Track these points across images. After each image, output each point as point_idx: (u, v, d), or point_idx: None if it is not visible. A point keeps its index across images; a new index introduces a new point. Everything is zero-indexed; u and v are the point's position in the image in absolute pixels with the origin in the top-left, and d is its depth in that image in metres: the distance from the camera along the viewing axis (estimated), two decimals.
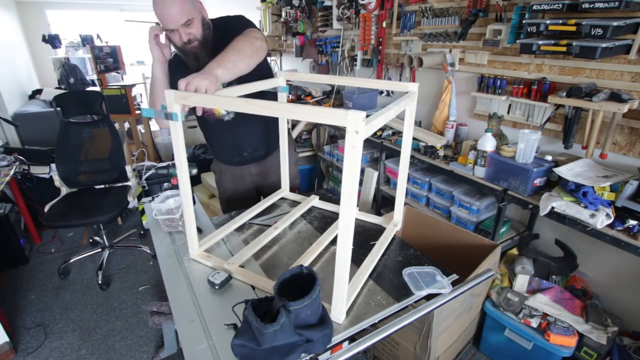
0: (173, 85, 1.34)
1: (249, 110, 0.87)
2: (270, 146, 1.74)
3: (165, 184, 1.81)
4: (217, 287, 1.05)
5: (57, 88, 4.80)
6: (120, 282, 2.49)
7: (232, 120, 1.58)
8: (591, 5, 1.40)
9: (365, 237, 1.34)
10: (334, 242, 1.30)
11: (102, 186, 2.63)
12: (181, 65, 1.41)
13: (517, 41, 1.72)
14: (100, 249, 2.69)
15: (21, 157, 2.72)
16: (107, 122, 2.56)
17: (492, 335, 1.81)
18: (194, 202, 1.52)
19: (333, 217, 1.50)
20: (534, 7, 1.63)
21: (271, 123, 1.66)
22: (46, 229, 3.10)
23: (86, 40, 4.75)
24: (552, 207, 1.50)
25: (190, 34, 1.30)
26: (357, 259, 1.20)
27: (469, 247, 1.67)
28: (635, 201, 1.39)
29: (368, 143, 2.54)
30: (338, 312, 0.93)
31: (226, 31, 1.34)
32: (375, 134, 2.48)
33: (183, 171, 1.09)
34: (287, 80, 1.42)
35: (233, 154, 1.70)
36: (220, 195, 1.87)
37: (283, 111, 0.87)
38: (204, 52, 1.34)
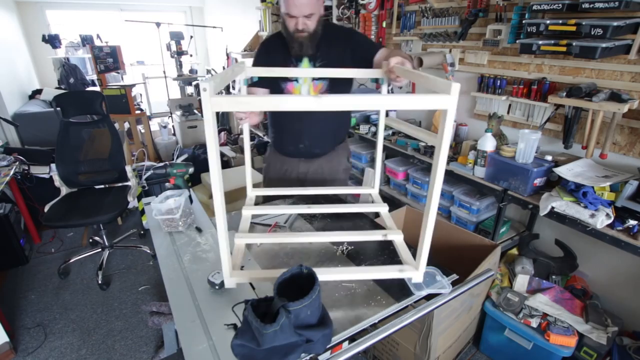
0: (271, 62, 1.48)
1: (352, 107, 0.82)
2: (327, 147, 1.71)
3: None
4: (217, 288, 1.05)
5: (57, 88, 4.80)
6: (120, 282, 2.49)
7: None
8: (591, 5, 1.40)
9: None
10: (333, 242, 1.30)
11: (102, 186, 2.63)
12: (279, 46, 1.54)
13: (517, 41, 1.72)
14: (100, 249, 2.69)
15: (21, 157, 2.72)
16: (107, 122, 2.56)
17: (492, 335, 1.81)
18: (191, 202, 1.52)
19: (333, 216, 1.50)
20: (534, 7, 1.63)
21: (338, 123, 1.69)
22: (46, 229, 3.09)
23: (86, 40, 4.74)
24: (552, 207, 1.50)
25: (305, 25, 1.40)
26: (357, 259, 1.20)
27: (469, 247, 1.67)
28: (635, 201, 1.39)
29: (368, 143, 2.54)
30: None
31: (339, 37, 1.52)
32: (375, 133, 2.49)
33: (218, 192, 0.85)
34: None
35: (290, 141, 1.68)
36: (265, 186, 1.87)
37: (382, 103, 0.87)
38: (309, 43, 1.45)
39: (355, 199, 2.89)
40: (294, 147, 1.68)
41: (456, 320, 1.61)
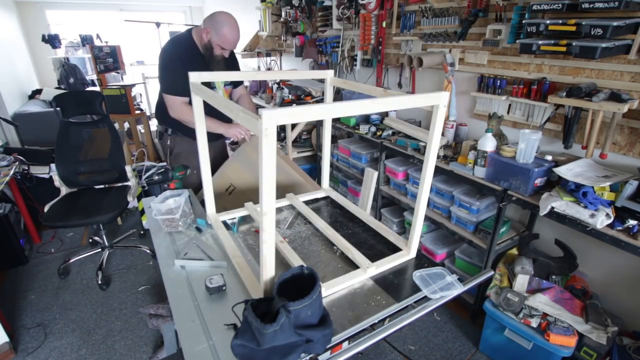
0: (192, 68, 1.59)
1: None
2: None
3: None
4: (210, 294, 1.05)
5: (56, 88, 4.80)
6: (120, 282, 2.49)
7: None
8: (591, 5, 1.40)
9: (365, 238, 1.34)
10: (334, 243, 1.30)
11: (102, 186, 2.63)
12: (196, 58, 1.92)
13: (517, 41, 1.72)
14: (100, 249, 2.69)
15: (21, 157, 2.72)
16: (106, 122, 2.56)
17: (492, 335, 1.81)
18: (191, 204, 1.53)
19: (332, 217, 1.50)
20: (534, 7, 1.63)
21: None
22: (46, 229, 3.09)
23: (86, 40, 4.74)
24: (552, 207, 1.50)
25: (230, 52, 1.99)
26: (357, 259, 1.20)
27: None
28: (635, 201, 1.39)
29: (368, 143, 2.54)
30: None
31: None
32: (375, 133, 2.48)
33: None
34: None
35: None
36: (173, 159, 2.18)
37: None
38: (223, 61, 1.97)
39: (354, 198, 2.89)
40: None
41: None
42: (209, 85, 1.96)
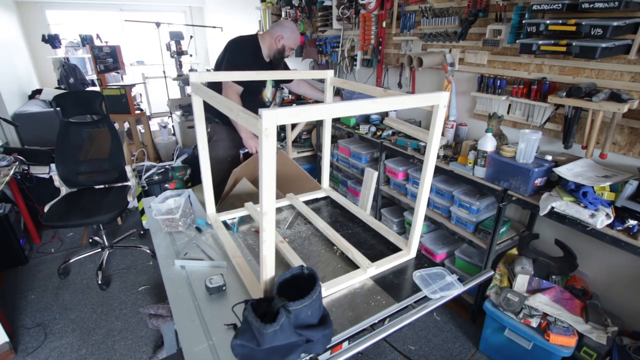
0: (256, 68, 2.10)
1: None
2: None
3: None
4: (210, 294, 1.05)
5: (56, 88, 4.79)
6: (120, 282, 2.49)
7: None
8: (591, 5, 1.40)
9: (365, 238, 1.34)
10: (334, 243, 1.30)
11: (102, 186, 2.63)
12: (261, 61, 2.19)
13: (517, 41, 1.72)
14: (100, 249, 2.69)
15: (21, 157, 2.72)
16: (106, 122, 2.56)
17: (492, 335, 1.81)
18: (191, 204, 1.53)
19: (332, 217, 1.50)
20: (534, 7, 1.63)
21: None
22: (46, 229, 3.09)
23: (86, 40, 4.74)
24: (552, 207, 1.50)
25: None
26: (356, 259, 1.20)
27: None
28: (635, 201, 1.39)
29: (368, 143, 2.54)
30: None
31: None
32: (375, 133, 2.48)
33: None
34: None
35: None
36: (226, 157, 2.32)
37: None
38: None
39: (354, 198, 2.89)
40: None
41: None
42: (260, 85, 2.26)
